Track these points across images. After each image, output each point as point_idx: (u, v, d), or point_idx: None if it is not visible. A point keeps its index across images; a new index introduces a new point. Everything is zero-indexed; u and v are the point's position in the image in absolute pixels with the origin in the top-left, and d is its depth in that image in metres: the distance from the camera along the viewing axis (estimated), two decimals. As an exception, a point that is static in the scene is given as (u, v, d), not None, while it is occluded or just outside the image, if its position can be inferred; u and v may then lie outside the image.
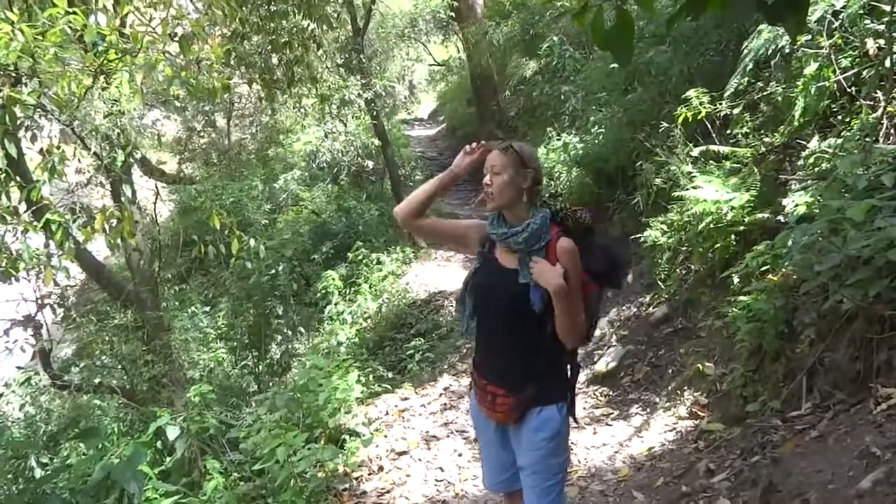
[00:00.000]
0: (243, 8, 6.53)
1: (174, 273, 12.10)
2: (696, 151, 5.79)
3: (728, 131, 5.70)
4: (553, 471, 2.40)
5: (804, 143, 4.67)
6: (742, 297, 4.20)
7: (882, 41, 4.18)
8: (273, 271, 10.26)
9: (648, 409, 4.96)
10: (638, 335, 5.91)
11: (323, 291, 9.99)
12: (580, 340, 2.36)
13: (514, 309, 2.32)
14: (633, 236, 6.32)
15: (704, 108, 5.68)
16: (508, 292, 2.33)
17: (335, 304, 9.74)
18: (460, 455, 4.83)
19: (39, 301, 5.92)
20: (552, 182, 9.05)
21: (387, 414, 5.71)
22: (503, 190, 2.33)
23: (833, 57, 4.45)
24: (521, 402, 2.38)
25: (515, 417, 2.41)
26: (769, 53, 5.11)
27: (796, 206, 4.03)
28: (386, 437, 5.21)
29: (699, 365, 4.72)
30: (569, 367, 2.49)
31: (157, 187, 9.03)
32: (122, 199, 6.30)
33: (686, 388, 4.76)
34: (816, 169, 4.28)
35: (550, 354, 2.35)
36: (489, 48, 13.12)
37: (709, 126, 5.79)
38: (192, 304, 11.08)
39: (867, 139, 3.93)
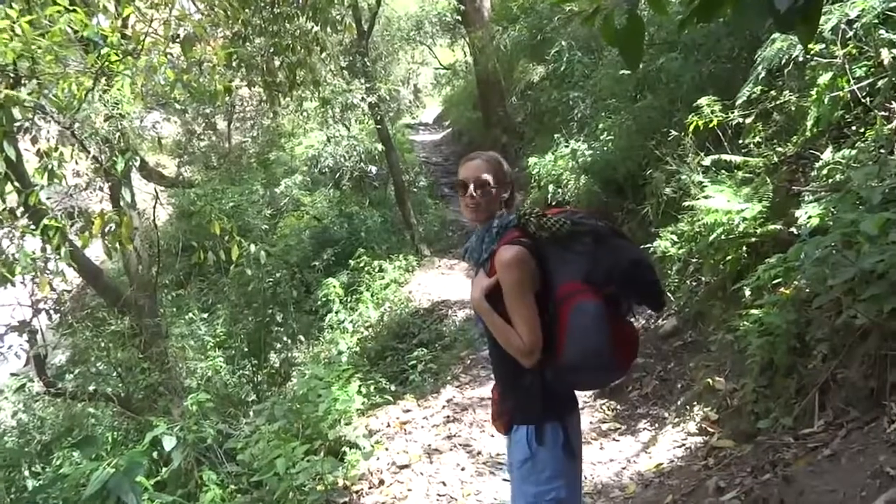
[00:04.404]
0: (246, 10, 6.59)
1: (172, 279, 12.15)
2: (707, 160, 5.81)
3: (740, 140, 5.72)
4: (527, 499, 2.28)
5: (818, 153, 4.68)
6: (753, 311, 4.21)
7: (897, 51, 4.20)
8: (273, 278, 10.29)
9: (657, 425, 4.96)
10: (647, 348, 5.91)
11: (323, 299, 10.01)
12: (524, 356, 2.18)
13: (477, 325, 2.38)
14: (642, 246, 6.32)
15: (716, 116, 5.70)
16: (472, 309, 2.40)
17: (336, 313, 9.76)
18: (463, 469, 4.83)
19: (35, 306, 5.94)
20: (559, 190, 9.08)
21: (388, 426, 5.71)
22: (491, 202, 2.33)
23: (847, 66, 4.48)
24: (503, 412, 2.40)
25: (499, 426, 2.43)
26: (782, 62, 5.13)
27: (809, 218, 4.04)
28: (387, 449, 5.22)
29: (709, 379, 4.72)
30: (541, 386, 2.26)
31: (155, 191, 9.08)
32: (122, 203, 6.34)
33: (696, 403, 4.76)
34: (830, 180, 4.29)
35: (511, 370, 2.28)
36: (496, 52, 13.18)
37: (720, 135, 5.81)
38: (189, 311, 11.11)
39: (882, 150, 3.95)
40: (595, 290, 2.17)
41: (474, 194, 2.31)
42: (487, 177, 2.31)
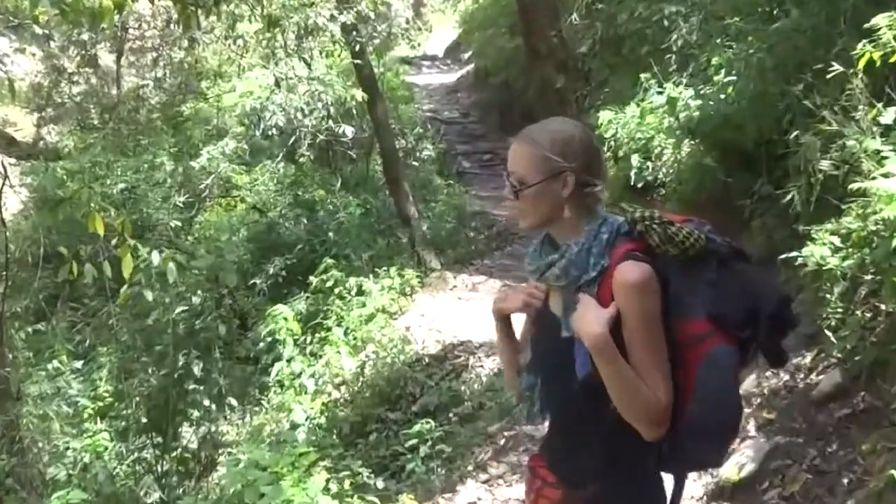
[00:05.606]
0: None
1: (28, 305, 12.20)
2: (888, 115, 5.78)
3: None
4: None
5: None
6: (966, 360, 4.19)
7: None
8: (188, 306, 10.33)
9: (809, 544, 4.95)
10: (792, 419, 5.88)
11: (269, 339, 10.03)
12: (654, 422, 2.31)
13: (561, 374, 2.43)
14: (782, 255, 6.31)
15: (902, 45, 5.69)
16: (552, 350, 2.47)
17: (288, 361, 9.78)
18: None
19: None
20: (648, 163, 9.06)
21: (373, 545, 5.72)
22: (534, 205, 2.44)
23: None
24: (574, 502, 2.49)
25: None
26: None
27: None
28: (371, 583, 5.22)
29: (894, 471, 4.70)
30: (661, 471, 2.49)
31: (3, 165, 9.16)
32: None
33: (872, 508, 4.74)
34: None
35: (614, 445, 2.38)
36: (546, -57, 13.21)
37: (909, 75, 5.79)
38: (56, 357, 11.16)
39: None
40: (725, 332, 2.31)
41: (509, 195, 2.47)
42: (521, 171, 2.43)
